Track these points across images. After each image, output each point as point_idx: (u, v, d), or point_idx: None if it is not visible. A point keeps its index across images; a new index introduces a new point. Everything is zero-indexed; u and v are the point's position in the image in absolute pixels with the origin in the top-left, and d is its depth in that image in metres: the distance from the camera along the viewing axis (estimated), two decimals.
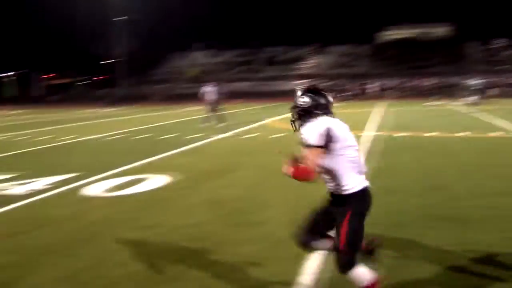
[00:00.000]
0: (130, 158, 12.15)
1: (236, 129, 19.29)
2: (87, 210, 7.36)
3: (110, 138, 18.19)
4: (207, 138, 16.81)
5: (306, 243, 4.02)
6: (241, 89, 63.62)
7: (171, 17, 72.09)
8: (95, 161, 12.39)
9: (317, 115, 3.82)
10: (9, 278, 4.78)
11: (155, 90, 64.10)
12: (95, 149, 15.29)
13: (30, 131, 22.15)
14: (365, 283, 3.75)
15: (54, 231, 6.33)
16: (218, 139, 16.70)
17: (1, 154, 14.25)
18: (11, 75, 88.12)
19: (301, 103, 3.90)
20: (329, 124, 3.71)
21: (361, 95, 53.03)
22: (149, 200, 7.89)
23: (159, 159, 12.42)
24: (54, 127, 24.49)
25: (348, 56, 69.61)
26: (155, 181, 9.32)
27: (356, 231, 3.75)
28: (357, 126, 19.26)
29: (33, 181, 9.58)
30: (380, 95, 52.24)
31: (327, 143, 3.67)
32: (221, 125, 20.99)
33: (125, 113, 37.01)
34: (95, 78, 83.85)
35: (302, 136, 3.78)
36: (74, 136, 18.99)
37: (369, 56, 68.51)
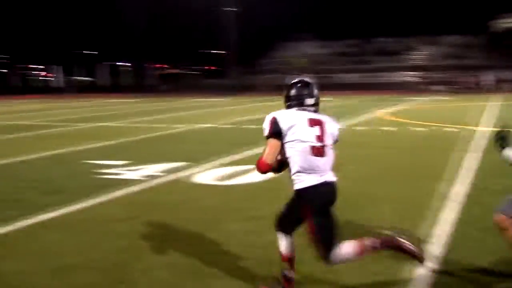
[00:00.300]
0: (239, 148, 12.25)
1: (344, 121, 18.92)
2: (196, 198, 7.46)
3: (219, 127, 18.49)
4: None
5: (277, 229, 4.10)
6: (349, 80, 62.75)
7: (280, 7, 72.27)
8: (205, 149, 12.59)
9: (290, 106, 3.91)
10: (119, 262, 4.88)
11: (263, 81, 64.68)
12: (205, 137, 15.60)
13: (144, 118, 23.07)
14: (354, 256, 3.79)
15: (163, 217, 6.44)
16: None
17: (117, 140, 14.89)
18: (128, 65, 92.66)
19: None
20: (277, 115, 3.76)
21: (474, 88, 50.46)
22: (257, 191, 7.86)
23: None
24: (165, 115, 25.33)
25: (460, 46, 66.41)
26: None
27: (319, 229, 3.73)
28: (471, 121, 18.24)
29: (145, 167, 9.88)
30: (495, 88, 49.39)
31: (275, 134, 3.72)
32: None
33: (233, 102, 37.60)
34: (205, 68, 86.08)
35: None
36: (185, 124, 19.50)
37: (483, 47, 64.88)
